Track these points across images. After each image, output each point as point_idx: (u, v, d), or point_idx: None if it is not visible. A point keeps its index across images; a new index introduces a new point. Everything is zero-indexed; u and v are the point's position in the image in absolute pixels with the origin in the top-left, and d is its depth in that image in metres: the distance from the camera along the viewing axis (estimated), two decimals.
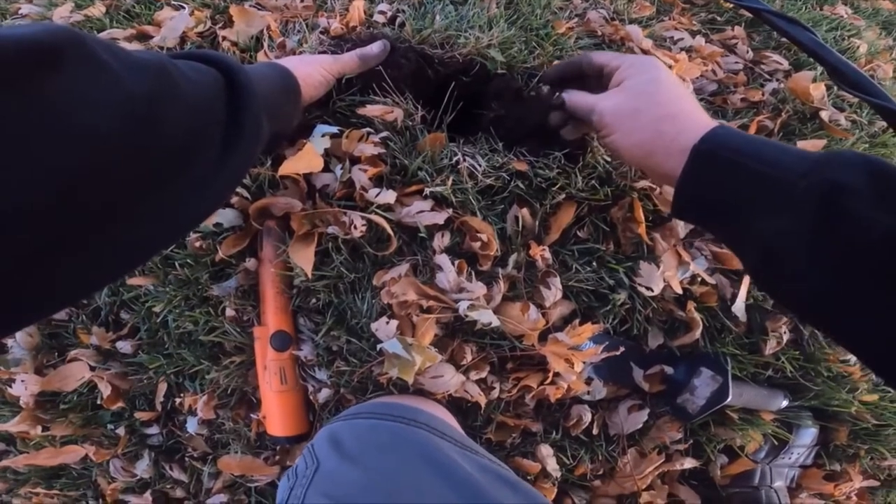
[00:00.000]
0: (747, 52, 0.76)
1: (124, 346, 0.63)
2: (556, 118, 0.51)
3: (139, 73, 0.25)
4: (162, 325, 0.61)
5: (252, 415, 0.62)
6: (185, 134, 0.28)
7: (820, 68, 0.75)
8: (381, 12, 0.62)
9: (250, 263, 0.55)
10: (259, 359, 0.58)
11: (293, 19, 0.63)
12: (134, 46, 0.67)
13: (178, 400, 0.63)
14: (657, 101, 0.39)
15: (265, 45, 0.61)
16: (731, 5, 0.80)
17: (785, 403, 0.66)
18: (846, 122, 0.73)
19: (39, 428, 0.65)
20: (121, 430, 0.64)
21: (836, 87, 0.73)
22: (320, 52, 0.58)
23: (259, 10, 0.66)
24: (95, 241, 0.24)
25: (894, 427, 0.68)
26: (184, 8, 0.69)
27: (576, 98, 0.47)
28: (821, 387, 0.66)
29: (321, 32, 0.61)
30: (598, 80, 0.47)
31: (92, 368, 0.63)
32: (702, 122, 0.37)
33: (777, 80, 0.74)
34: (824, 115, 0.71)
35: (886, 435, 0.68)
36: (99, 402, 0.63)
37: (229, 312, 0.58)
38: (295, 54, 0.60)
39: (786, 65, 0.76)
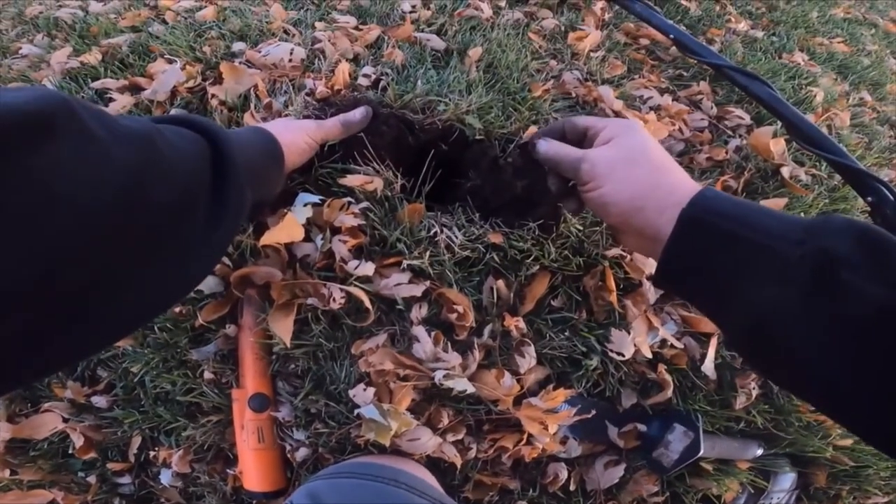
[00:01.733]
0: (711, 107, 0.79)
1: (99, 401, 0.63)
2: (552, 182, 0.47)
3: (127, 144, 0.25)
4: (139, 384, 0.61)
5: (228, 470, 0.62)
6: (171, 205, 0.28)
7: (779, 122, 0.78)
8: (366, 75, 0.63)
9: (230, 330, 0.55)
10: (237, 419, 0.58)
11: (281, 79, 0.64)
12: (126, 98, 0.68)
13: (152, 453, 0.62)
14: (650, 157, 0.38)
15: (252, 105, 0.62)
16: (696, 61, 0.84)
17: (759, 452, 0.67)
18: (806, 178, 0.76)
19: (7, 472, 0.63)
20: (91, 479, 0.63)
21: (794, 142, 0.76)
22: (305, 116, 0.59)
23: (249, 67, 0.67)
24: (81, 315, 0.24)
25: (874, 467, 0.69)
26: (176, 62, 0.70)
27: (558, 147, 0.43)
28: (794, 435, 0.68)
29: (307, 94, 0.62)
30: (579, 145, 0.45)
31: (65, 420, 0.63)
32: (690, 183, 0.36)
33: (740, 135, 0.78)
34: (785, 171, 0.74)
35: (867, 475, 0.69)
36: (70, 451, 0.62)
37: (207, 375, 0.58)
38: (281, 116, 0.61)
39: (748, 119, 0.80)
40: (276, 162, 0.46)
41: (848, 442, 0.69)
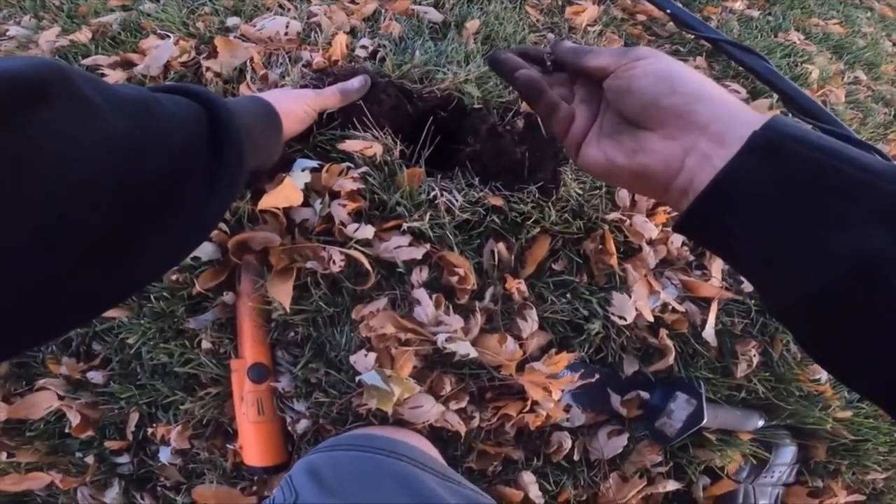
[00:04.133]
0: None
1: (95, 377, 0.62)
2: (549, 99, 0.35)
3: (123, 110, 0.25)
4: (135, 357, 0.60)
5: (228, 445, 0.61)
6: (168, 169, 0.28)
7: (776, 96, 0.78)
8: (363, 47, 0.63)
9: (228, 297, 0.54)
10: (236, 390, 0.57)
11: (276, 52, 0.64)
12: (118, 74, 0.67)
13: (150, 430, 0.62)
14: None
15: (248, 77, 0.61)
16: (693, 36, 0.84)
17: (761, 423, 0.67)
18: None
19: (4, 454, 0.63)
20: (89, 459, 0.63)
21: (790, 114, 0.76)
22: (302, 86, 0.59)
23: (243, 41, 0.67)
24: (80, 276, 0.24)
25: (872, 442, 0.70)
26: (169, 37, 0.69)
27: (584, 46, 0.34)
28: (794, 406, 0.68)
29: (304, 66, 0.61)
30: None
31: (61, 398, 0.62)
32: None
33: None
34: None
35: (865, 450, 0.69)
36: (67, 430, 0.61)
37: (205, 345, 0.57)
38: (277, 87, 0.61)
39: (744, 93, 0.80)
40: (273, 128, 0.45)
41: (847, 414, 0.69)
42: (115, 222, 0.25)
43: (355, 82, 0.56)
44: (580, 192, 0.56)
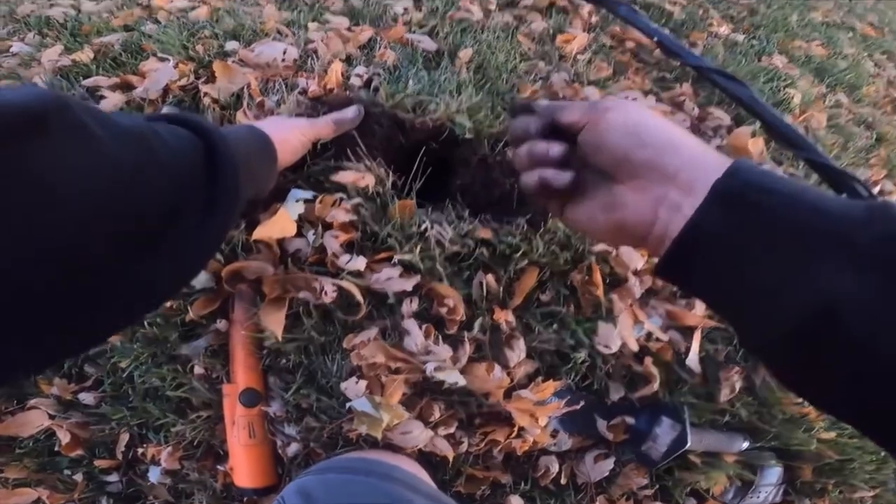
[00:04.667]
0: (693, 109, 0.82)
1: (86, 398, 0.62)
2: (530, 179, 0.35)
3: (121, 140, 0.26)
4: (127, 380, 0.61)
5: (219, 466, 0.62)
6: (166, 201, 0.29)
7: (759, 122, 0.80)
8: (358, 75, 0.64)
9: (221, 325, 0.55)
10: (228, 414, 0.58)
11: (274, 78, 0.65)
12: (117, 97, 0.68)
13: (140, 450, 0.62)
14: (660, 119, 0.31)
15: (245, 103, 0.62)
16: (679, 63, 0.86)
17: (745, 445, 0.69)
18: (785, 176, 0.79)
19: None
20: (78, 477, 0.63)
21: (773, 141, 0.78)
22: (297, 114, 0.60)
23: (241, 66, 0.68)
24: (79, 306, 0.25)
25: (858, 461, 0.71)
26: (168, 60, 0.70)
27: (560, 103, 0.36)
28: (778, 428, 0.69)
29: (299, 93, 0.62)
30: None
31: (51, 417, 0.62)
32: (718, 154, 0.29)
33: (720, 136, 0.80)
34: None
35: (852, 469, 0.71)
36: (56, 448, 0.61)
37: (198, 370, 0.58)
38: (273, 114, 0.62)
39: (727, 120, 0.82)
40: (269, 159, 0.46)
41: (832, 435, 0.71)
42: (112, 251, 0.25)
43: (349, 112, 0.57)
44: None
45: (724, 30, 1.20)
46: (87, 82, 0.71)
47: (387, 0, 0.83)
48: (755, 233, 0.25)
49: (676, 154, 0.28)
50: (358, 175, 0.53)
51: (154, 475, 0.61)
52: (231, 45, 0.74)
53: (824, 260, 0.24)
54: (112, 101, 0.68)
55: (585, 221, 0.33)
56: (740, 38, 1.22)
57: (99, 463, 0.62)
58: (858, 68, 1.47)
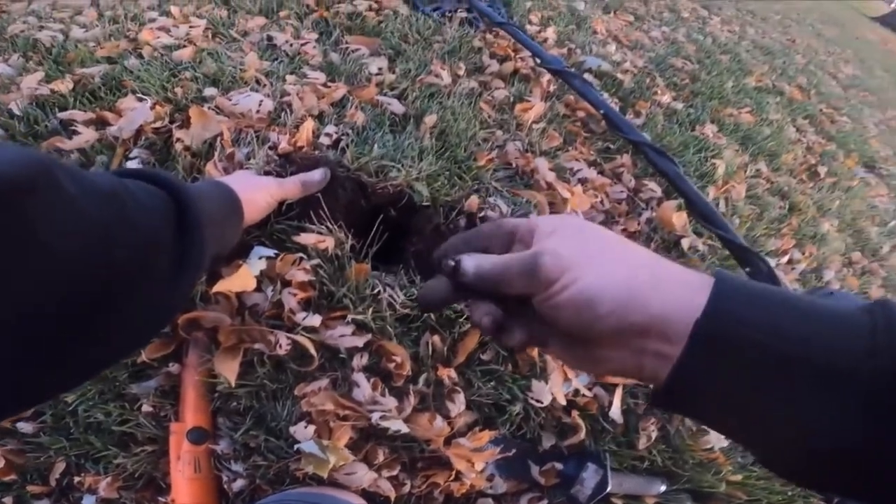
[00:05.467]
0: (630, 180, 0.91)
1: (25, 427, 0.62)
2: (484, 318, 0.32)
3: (98, 201, 0.28)
4: (70, 413, 0.61)
5: (160, 497, 0.63)
6: (137, 258, 0.31)
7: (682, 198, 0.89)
8: (328, 134, 0.69)
9: (174, 368, 0.57)
10: (174, 450, 0.60)
11: (246, 129, 0.68)
12: (90, 133, 0.69)
13: (77, 478, 0.62)
14: (618, 236, 0.30)
15: (216, 153, 0.65)
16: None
17: (663, 488, 0.77)
18: (703, 248, 0.89)
19: None
20: (7, 500, 0.62)
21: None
22: (266, 171, 0.63)
23: (217, 114, 0.71)
24: (44, 357, 0.26)
25: (765, 500, 0.78)
26: (146, 101, 0.72)
27: (493, 258, 0.30)
28: (690, 472, 0.77)
29: (270, 148, 0.66)
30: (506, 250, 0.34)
31: None
32: (689, 271, 0.28)
33: (651, 208, 0.90)
34: (685, 242, 0.86)
35: None
36: None
37: (146, 408, 0.59)
38: (242, 167, 0.65)
39: (659, 192, 0.92)
40: (235, 218, 0.49)
41: (739, 477, 0.79)
42: (85, 306, 0.27)
43: (316, 175, 0.61)
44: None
45: (666, 98, 1.33)
46: (63, 115, 0.72)
47: (364, 59, 0.88)
48: (744, 374, 0.24)
49: (642, 308, 0.26)
50: (319, 238, 0.57)
51: (88, 503, 0.62)
52: (209, 90, 0.76)
53: (809, 395, 0.23)
54: (85, 136, 0.69)
55: (570, 361, 0.30)
56: (680, 106, 1.35)
57: (31, 488, 0.61)
58: (780, 135, 1.63)
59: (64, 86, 0.75)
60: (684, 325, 0.25)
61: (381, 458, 0.61)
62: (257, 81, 0.79)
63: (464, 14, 1.18)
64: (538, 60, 1.04)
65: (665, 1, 2.41)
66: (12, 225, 0.23)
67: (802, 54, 2.92)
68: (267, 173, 0.63)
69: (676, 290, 0.26)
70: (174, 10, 1.03)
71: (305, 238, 0.57)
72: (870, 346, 0.22)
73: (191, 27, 0.97)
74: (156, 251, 0.33)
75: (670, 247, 0.86)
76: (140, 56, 0.84)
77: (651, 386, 0.27)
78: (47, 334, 0.26)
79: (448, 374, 0.59)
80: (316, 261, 0.57)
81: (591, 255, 0.28)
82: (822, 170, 1.65)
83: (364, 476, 0.61)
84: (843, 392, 0.22)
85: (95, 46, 0.87)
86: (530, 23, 1.35)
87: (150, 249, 0.32)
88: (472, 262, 0.29)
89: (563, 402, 0.66)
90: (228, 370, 0.55)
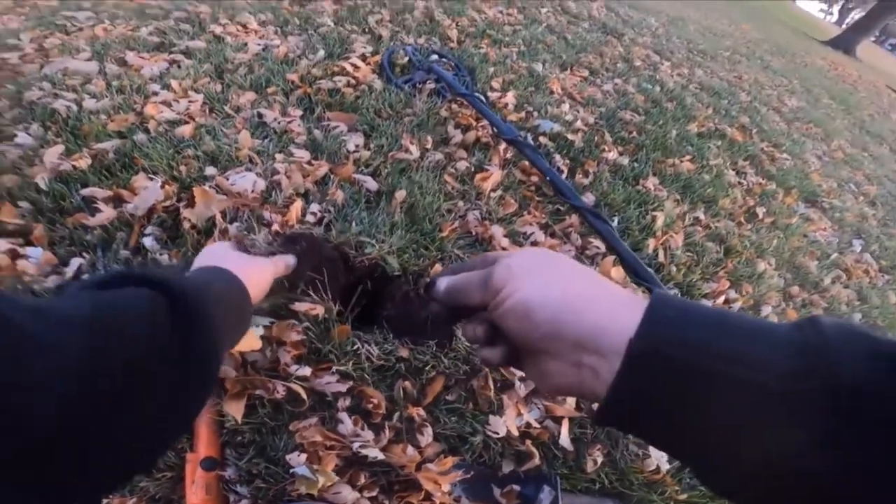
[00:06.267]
0: (577, 239, 1.07)
1: None
2: (477, 329, 0.35)
3: (64, 335, 0.26)
4: None
5: None
6: (123, 385, 0.28)
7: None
8: (313, 213, 0.83)
9: None
10: (189, 476, 0.72)
11: (243, 208, 0.82)
12: (109, 211, 0.81)
13: (105, 501, 0.72)
14: (570, 260, 0.31)
15: (217, 231, 0.79)
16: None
17: None
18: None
19: None
20: None
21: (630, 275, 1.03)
22: (269, 251, 0.76)
23: (217, 192, 0.84)
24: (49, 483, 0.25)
25: None
26: (155, 179, 0.85)
27: (459, 276, 0.35)
28: (638, 492, 0.87)
29: (266, 225, 0.80)
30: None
31: None
32: (629, 293, 0.29)
33: (596, 263, 1.06)
34: None
35: None
36: None
37: None
38: (241, 243, 0.78)
39: (603, 248, 1.08)
40: (243, 306, 0.47)
41: (684, 497, 0.89)
42: (73, 441, 0.26)
43: (291, 259, 0.71)
44: (468, 345, 0.79)
45: (612, 155, 1.46)
46: (85, 192, 0.84)
47: (343, 136, 1.03)
48: (677, 392, 0.24)
49: (575, 322, 0.27)
50: (310, 306, 0.72)
51: None
52: (210, 169, 0.90)
53: (755, 420, 0.23)
54: (106, 214, 0.82)
55: (538, 382, 0.31)
56: (625, 161, 1.47)
57: None
58: (720, 180, 1.70)
59: (83, 161, 0.85)
60: (616, 339, 0.26)
61: (362, 480, 0.74)
62: (250, 160, 0.93)
63: (432, 85, 1.35)
64: (495, 130, 1.21)
65: (619, 50, 2.56)
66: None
67: (748, 91, 3.00)
68: (269, 249, 0.77)
69: (611, 306, 0.27)
70: (174, 83, 1.16)
71: (299, 306, 0.71)
72: (798, 364, 0.22)
73: (190, 101, 1.10)
74: (152, 372, 0.31)
75: None
76: (146, 131, 0.96)
77: (594, 406, 0.27)
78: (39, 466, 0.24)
79: (418, 412, 0.73)
80: (306, 324, 0.71)
81: (538, 268, 0.30)
82: (761, 210, 1.68)
83: (349, 496, 0.74)
84: (775, 409, 0.22)
85: (106, 119, 0.97)
86: (492, 89, 1.52)
87: (142, 372, 0.30)
88: (443, 282, 0.35)
89: (517, 434, 0.80)
90: (235, 410, 0.68)
